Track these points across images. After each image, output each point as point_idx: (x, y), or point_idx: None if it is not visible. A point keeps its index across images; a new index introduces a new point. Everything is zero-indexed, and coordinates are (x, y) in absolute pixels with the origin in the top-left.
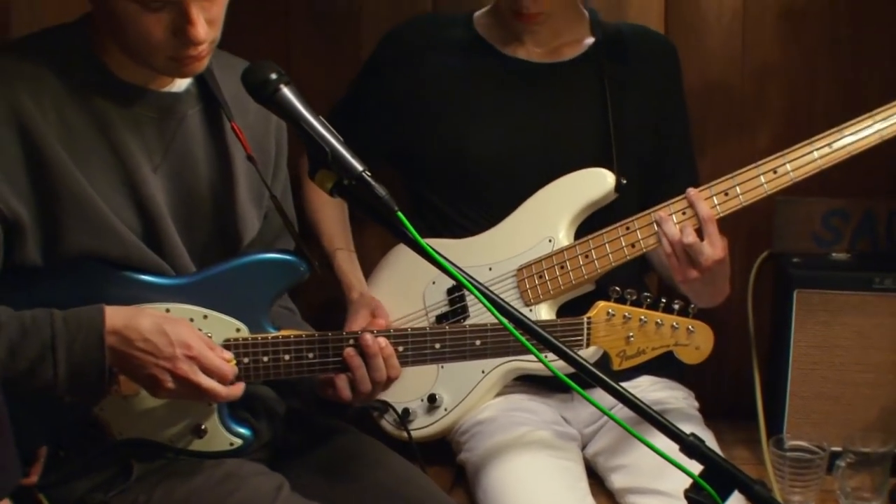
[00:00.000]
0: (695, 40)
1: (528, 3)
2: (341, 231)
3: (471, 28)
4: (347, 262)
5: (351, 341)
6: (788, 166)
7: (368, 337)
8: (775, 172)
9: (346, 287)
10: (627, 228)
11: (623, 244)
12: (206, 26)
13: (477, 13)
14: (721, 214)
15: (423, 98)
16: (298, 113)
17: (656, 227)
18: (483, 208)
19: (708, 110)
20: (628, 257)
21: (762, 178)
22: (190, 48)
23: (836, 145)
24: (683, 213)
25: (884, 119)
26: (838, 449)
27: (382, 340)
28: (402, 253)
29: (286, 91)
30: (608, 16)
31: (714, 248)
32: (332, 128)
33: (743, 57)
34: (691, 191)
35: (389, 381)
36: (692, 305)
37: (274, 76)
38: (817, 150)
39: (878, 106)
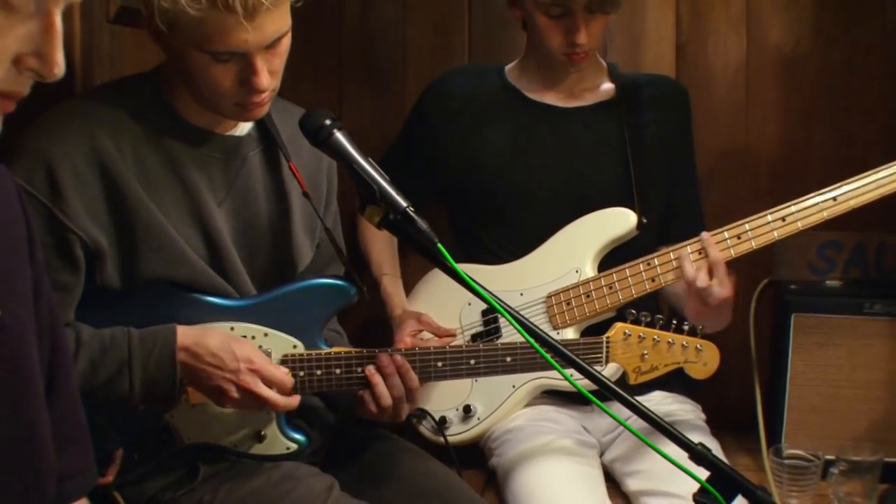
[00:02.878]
0: (703, 90)
1: (584, 39)
2: (389, 259)
3: (503, 78)
4: (392, 286)
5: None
6: (797, 215)
7: (384, 357)
8: (784, 220)
9: (390, 307)
10: (648, 264)
11: (644, 278)
12: (268, 76)
13: (508, 66)
14: (734, 256)
15: (461, 140)
16: (349, 155)
17: (678, 265)
18: (514, 238)
19: (714, 153)
20: (648, 290)
21: (772, 225)
22: (254, 95)
23: (840, 198)
24: (699, 254)
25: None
26: (832, 457)
27: (399, 358)
28: (441, 275)
29: (339, 135)
30: (625, 68)
31: (722, 288)
32: (379, 168)
33: (746, 105)
34: (705, 235)
35: (410, 392)
36: (700, 327)
37: (328, 122)
38: (822, 201)
39: (869, 149)
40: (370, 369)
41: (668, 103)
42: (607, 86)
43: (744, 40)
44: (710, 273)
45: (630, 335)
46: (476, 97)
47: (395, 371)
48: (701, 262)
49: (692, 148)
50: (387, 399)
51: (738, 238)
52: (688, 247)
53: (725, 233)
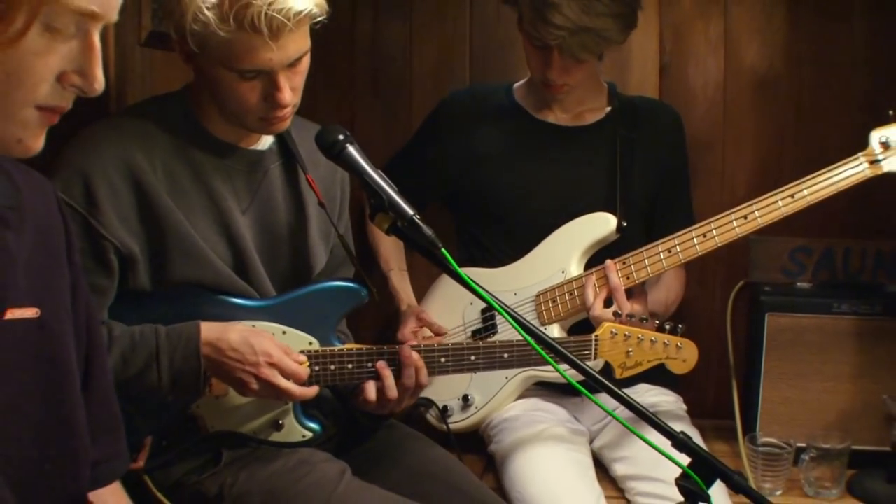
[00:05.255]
0: (684, 108)
1: (555, 77)
2: (395, 255)
3: (510, 96)
4: (399, 280)
5: (385, 354)
6: (757, 213)
7: (407, 349)
8: (745, 218)
9: (398, 300)
10: (624, 263)
11: (620, 276)
12: (290, 92)
13: (516, 84)
14: (700, 253)
15: (469, 152)
16: (361, 167)
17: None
18: (511, 243)
19: (695, 166)
20: (624, 287)
21: (734, 223)
22: (277, 110)
23: (797, 196)
24: (603, 280)
25: (837, 174)
26: (803, 445)
27: (415, 354)
28: (448, 279)
29: (351, 149)
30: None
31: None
32: (388, 179)
33: (724, 121)
34: (608, 262)
35: (419, 386)
36: (680, 326)
37: (341, 137)
38: (781, 199)
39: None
40: (381, 364)
41: (660, 124)
42: (607, 108)
43: (722, 62)
44: (612, 297)
45: (616, 334)
46: (484, 114)
47: (414, 364)
48: (602, 288)
49: (685, 164)
50: (393, 392)
51: (704, 236)
52: (593, 274)
53: (693, 232)
